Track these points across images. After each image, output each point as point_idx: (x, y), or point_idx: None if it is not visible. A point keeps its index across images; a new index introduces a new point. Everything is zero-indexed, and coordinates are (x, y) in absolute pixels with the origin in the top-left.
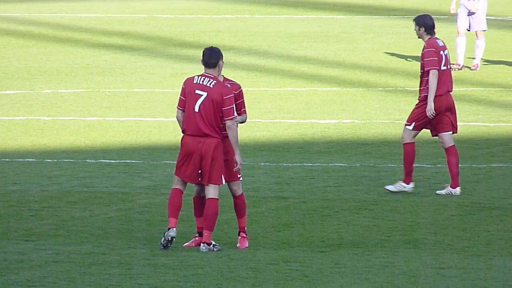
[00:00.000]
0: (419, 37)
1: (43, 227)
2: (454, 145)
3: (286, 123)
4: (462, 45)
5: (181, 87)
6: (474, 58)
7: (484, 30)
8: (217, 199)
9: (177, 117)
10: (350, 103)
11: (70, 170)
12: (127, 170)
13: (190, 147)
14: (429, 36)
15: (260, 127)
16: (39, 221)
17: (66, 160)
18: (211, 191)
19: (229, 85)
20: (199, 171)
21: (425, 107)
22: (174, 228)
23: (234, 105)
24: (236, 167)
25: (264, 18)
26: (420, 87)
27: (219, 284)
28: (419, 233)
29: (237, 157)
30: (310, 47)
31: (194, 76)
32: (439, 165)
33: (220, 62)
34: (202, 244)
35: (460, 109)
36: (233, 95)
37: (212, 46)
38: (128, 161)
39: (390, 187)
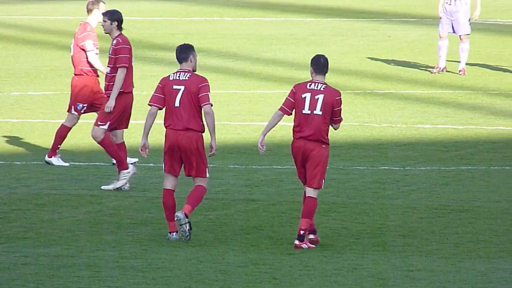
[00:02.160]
0: (107, 32)
1: (11, 229)
2: (123, 142)
3: (255, 126)
4: (444, 48)
5: (156, 87)
6: (459, 62)
7: (467, 34)
8: (205, 187)
9: (149, 113)
10: None
11: (38, 172)
12: (96, 172)
13: (171, 140)
14: (119, 32)
15: (229, 129)
16: (8, 224)
17: (35, 163)
18: (201, 181)
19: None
20: (182, 164)
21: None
22: (174, 233)
23: (209, 93)
24: (211, 152)
25: (233, 21)
26: (109, 82)
27: (188, 286)
28: (388, 236)
29: (213, 142)
30: (279, 49)
31: (169, 75)
32: (408, 168)
33: (191, 56)
34: (179, 212)
35: (429, 111)
36: (207, 83)
37: (184, 43)
38: (97, 163)
39: (106, 187)
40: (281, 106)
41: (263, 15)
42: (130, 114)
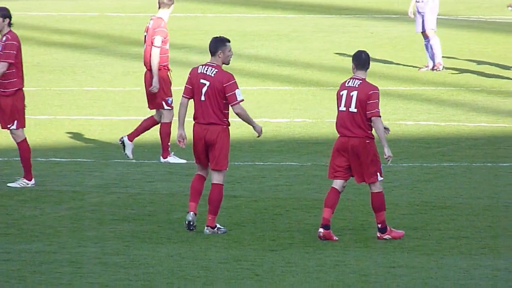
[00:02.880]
0: None
1: None
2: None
3: (237, 122)
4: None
5: (187, 76)
6: (436, 59)
7: (432, 29)
8: (222, 184)
9: (180, 103)
10: (302, 102)
11: (20, 168)
12: (78, 168)
13: (197, 134)
14: (9, 29)
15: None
16: None
17: (17, 159)
18: (215, 177)
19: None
20: (207, 157)
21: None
22: (192, 212)
23: (238, 90)
24: (258, 135)
25: (216, 17)
26: (5, 80)
27: (170, 283)
28: (370, 232)
29: (257, 127)
30: (262, 46)
31: (198, 66)
32: (390, 164)
33: (219, 51)
34: (206, 228)
35: (411, 108)
36: (234, 81)
37: (217, 36)
38: (79, 159)
39: (12, 184)
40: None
41: (245, 11)
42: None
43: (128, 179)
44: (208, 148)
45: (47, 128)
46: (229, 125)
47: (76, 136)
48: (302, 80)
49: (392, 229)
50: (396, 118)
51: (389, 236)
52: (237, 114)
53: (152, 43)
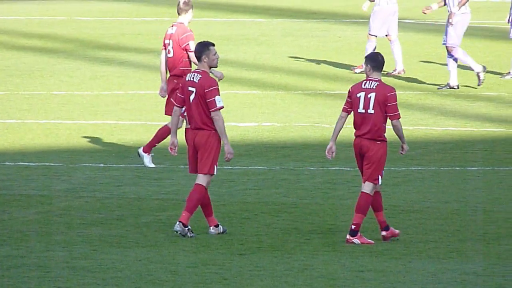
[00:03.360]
0: None
1: None
2: None
3: None
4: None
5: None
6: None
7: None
8: (203, 186)
9: (173, 112)
10: (270, 106)
11: None
12: (46, 172)
13: (188, 139)
14: None
15: (180, 130)
16: None
17: None
18: (199, 178)
19: None
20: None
21: None
22: (211, 227)
23: (218, 97)
24: (226, 157)
25: None
26: None
27: (138, 287)
28: (339, 236)
29: (226, 147)
30: (230, 50)
31: (188, 74)
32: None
33: (203, 56)
34: (178, 223)
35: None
36: (215, 87)
37: (201, 41)
38: (47, 163)
39: None
40: (343, 107)
41: (214, 15)
42: None
43: (96, 183)
44: (197, 153)
45: (15, 132)
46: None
47: (45, 140)
48: (271, 84)
49: (362, 235)
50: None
51: (358, 241)
52: (213, 119)
53: (186, 49)
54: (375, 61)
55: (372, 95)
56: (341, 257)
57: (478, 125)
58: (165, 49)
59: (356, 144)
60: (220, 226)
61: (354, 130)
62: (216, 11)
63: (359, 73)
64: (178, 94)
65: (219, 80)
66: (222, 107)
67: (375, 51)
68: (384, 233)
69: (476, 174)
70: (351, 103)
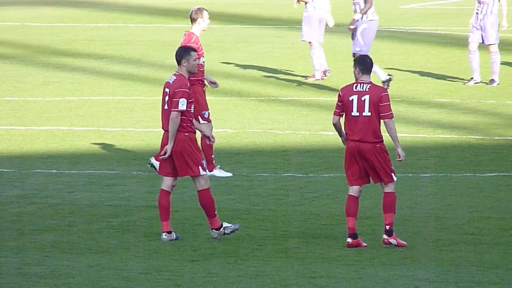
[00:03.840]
0: None
1: None
2: None
3: (158, 132)
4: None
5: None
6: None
7: (319, 42)
8: (206, 188)
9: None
10: (223, 112)
11: None
12: None
13: (163, 143)
14: None
15: (133, 136)
16: None
17: None
18: (196, 184)
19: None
20: (174, 166)
21: None
22: (165, 232)
23: (183, 99)
24: (164, 155)
25: (136, 27)
26: None
27: None
28: (291, 243)
29: (169, 147)
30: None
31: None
32: (311, 175)
33: (183, 60)
34: (211, 231)
35: (325, 118)
36: (185, 89)
37: (182, 45)
38: None
39: None
40: (335, 111)
41: (166, 21)
42: None
43: (49, 189)
44: (172, 157)
45: None
46: (193, 131)
47: None
48: (224, 91)
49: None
50: (317, 129)
51: (395, 241)
52: (170, 118)
53: None
54: (363, 63)
55: (366, 98)
56: (294, 263)
57: (430, 131)
58: None
59: (352, 147)
60: (172, 232)
61: (347, 134)
62: (167, 17)
63: (311, 82)
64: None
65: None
66: (183, 111)
67: (363, 54)
68: (349, 240)
69: (428, 180)
70: (342, 107)
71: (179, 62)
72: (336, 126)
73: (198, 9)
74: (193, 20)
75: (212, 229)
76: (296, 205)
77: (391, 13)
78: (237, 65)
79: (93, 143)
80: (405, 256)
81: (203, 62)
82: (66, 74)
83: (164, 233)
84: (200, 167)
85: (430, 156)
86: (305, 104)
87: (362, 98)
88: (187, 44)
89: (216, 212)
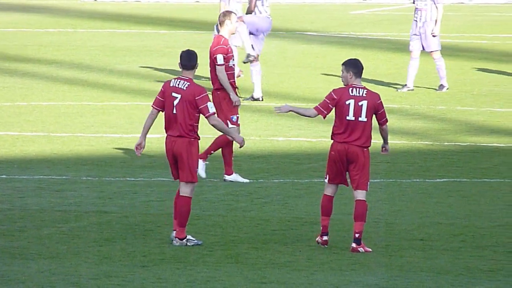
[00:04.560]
0: None
1: None
2: None
3: (108, 138)
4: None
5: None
6: (241, 70)
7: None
8: (189, 197)
9: (149, 114)
10: None
11: None
12: None
13: (167, 146)
14: None
15: (83, 141)
16: None
17: None
18: (183, 189)
19: None
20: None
21: None
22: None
23: (210, 103)
24: (241, 145)
25: (87, 32)
26: None
27: None
28: (241, 248)
29: (238, 139)
30: (133, 61)
31: (171, 80)
32: (261, 180)
33: (197, 65)
34: (174, 239)
35: (282, 124)
36: (206, 94)
37: (189, 49)
38: None
39: None
40: (318, 107)
41: (117, 26)
42: None
43: None
44: (177, 160)
45: None
46: (198, 138)
47: None
48: None
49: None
50: (268, 134)
51: (363, 250)
52: (213, 125)
53: (214, 62)
54: (356, 67)
55: (364, 103)
56: (244, 269)
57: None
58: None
59: (342, 150)
60: (185, 240)
61: (336, 136)
62: (119, 23)
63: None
64: (158, 97)
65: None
66: (215, 112)
67: (353, 57)
68: (325, 237)
69: (378, 186)
70: (328, 107)
71: (192, 67)
72: (307, 111)
73: (227, 11)
74: (221, 23)
75: (176, 237)
76: (246, 211)
77: (342, 18)
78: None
79: (43, 149)
80: (355, 261)
81: (233, 65)
82: (16, 79)
83: (177, 238)
84: (196, 174)
85: (380, 162)
86: (255, 110)
87: (360, 103)
88: (218, 47)
89: (187, 224)
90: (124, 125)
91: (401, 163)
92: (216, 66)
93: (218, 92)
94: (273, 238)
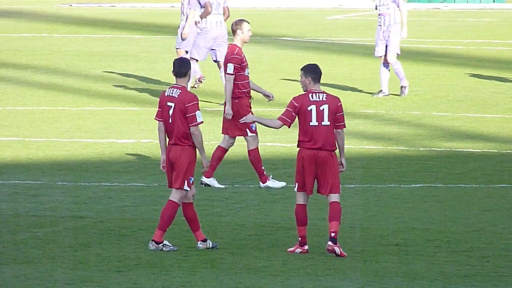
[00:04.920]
0: None
1: None
2: None
3: (84, 143)
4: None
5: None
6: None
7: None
8: (176, 203)
9: (158, 128)
10: (149, 122)
11: None
12: None
13: (167, 154)
14: None
15: (58, 146)
16: None
17: None
18: (173, 194)
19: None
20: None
21: None
22: (199, 241)
23: (198, 112)
24: (203, 169)
25: (62, 37)
26: None
27: None
28: (216, 253)
29: (204, 161)
30: (109, 66)
31: (166, 89)
32: (237, 185)
33: (189, 72)
34: (150, 242)
35: (258, 129)
36: (196, 102)
37: (182, 57)
38: None
39: None
40: (281, 117)
41: (92, 31)
42: None
43: None
44: (172, 168)
45: None
46: (192, 145)
47: None
48: (149, 101)
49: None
50: (243, 139)
51: (339, 251)
52: (192, 134)
53: (225, 70)
54: (315, 72)
55: (325, 107)
56: (219, 273)
57: (356, 142)
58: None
59: (311, 155)
60: (208, 241)
61: (302, 143)
62: (94, 28)
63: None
64: (158, 109)
65: (268, 101)
66: (202, 122)
67: (312, 63)
68: (306, 247)
69: (354, 191)
70: (292, 115)
71: (185, 74)
72: (272, 122)
73: (239, 20)
74: (233, 32)
75: (153, 240)
76: (222, 216)
77: (317, 23)
78: (163, 75)
79: (18, 154)
80: (330, 267)
81: (248, 73)
82: None
83: (199, 242)
84: (186, 181)
85: (356, 167)
86: None
87: (321, 108)
88: (230, 56)
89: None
90: (99, 130)
91: (377, 169)
92: (226, 74)
93: (236, 101)
94: (249, 243)
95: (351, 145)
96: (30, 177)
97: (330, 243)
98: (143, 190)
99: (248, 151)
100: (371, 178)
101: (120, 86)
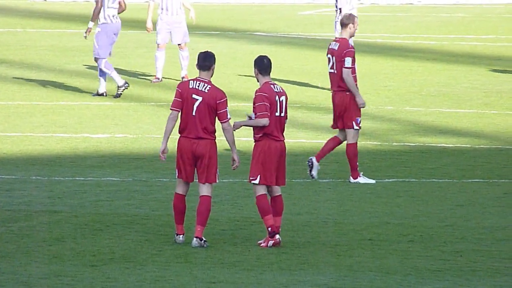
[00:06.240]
0: None
1: None
2: None
3: (58, 137)
4: (162, 59)
5: (175, 91)
6: (182, 70)
7: (187, 42)
8: (210, 196)
9: (170, 117)
10: (123, 117)
11: None
12: None
13: (185, 148)
14: None
15: (32, 141)
16: None
17: None
18: (205, 189)
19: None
20: (195, 171)
21: None
22: (182, 235)
23: (227, 109)
24: (234, 165)
25: (37, 32)
26: None
27: None
28: (190, 248)
29: (235, 156)
30: (83, 61)
31: (189, 81)
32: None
33: (213, 65)
34: (194, 239)
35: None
36: (226, 99)
37: (206, 50)
38: None
39: None
40: (263, 114)
41: (67, 26)
42: None
43: None
44: (197, 162)
45: None
46: (215, 138)
47: None
48: (123, 96)
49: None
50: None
51: (265, 244)
52: (224, 129)
53: (342, 64)
54: (261, 64)
55: (283, 99)
56: (193, 268)
57: (329, 137)
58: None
59: (278, 147)
60: (203, 241)
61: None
62: (68, 22)
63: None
64: (176, 99)
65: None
66: (230, 118)
67: (262, 55)
68: (277, 236)
69: (327, 186)
70: (268, 108)
71: (208, 68)
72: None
73: (350, 15)
74: (343, 25)
75: (196, 237)
76: (195, 210)
77: (290, 19)
78: (137, 70)
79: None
80: (303, 261)
81: (355, 66)
82: None
83: (181, 236)
84: (217, 174)
85: (329, 162)
86: None
87: (281, 99)
88: (347, 50)
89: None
90: (73, 125)
91: None
92: (344, 68)
93: (347, 93)
94: (223, 237)
95: (324, 140)
96: (4, 172)
97: (277, 236)
98: (118, 185)
99: (347, 144)
100: (345, 173)
101: (94, 81)
